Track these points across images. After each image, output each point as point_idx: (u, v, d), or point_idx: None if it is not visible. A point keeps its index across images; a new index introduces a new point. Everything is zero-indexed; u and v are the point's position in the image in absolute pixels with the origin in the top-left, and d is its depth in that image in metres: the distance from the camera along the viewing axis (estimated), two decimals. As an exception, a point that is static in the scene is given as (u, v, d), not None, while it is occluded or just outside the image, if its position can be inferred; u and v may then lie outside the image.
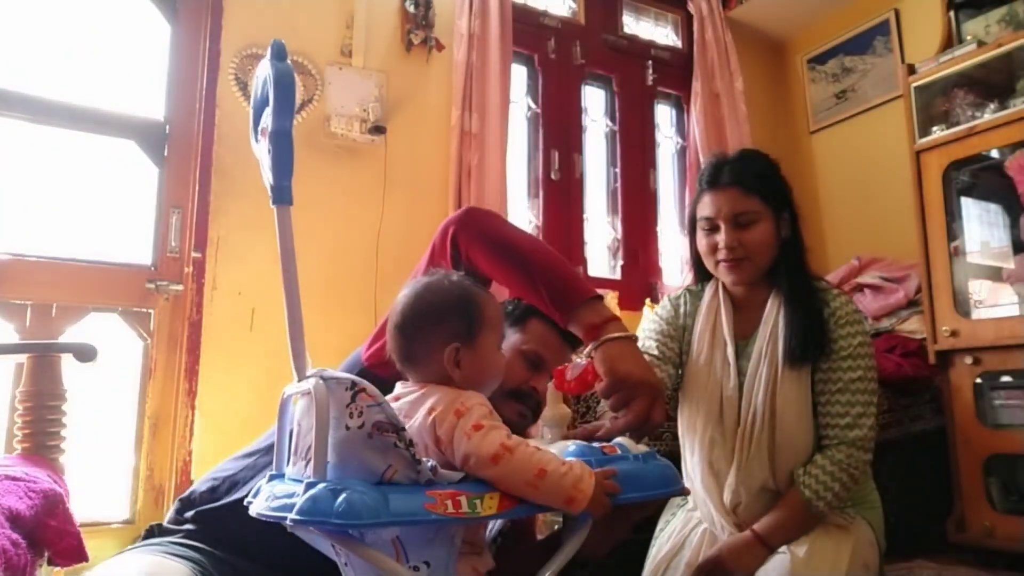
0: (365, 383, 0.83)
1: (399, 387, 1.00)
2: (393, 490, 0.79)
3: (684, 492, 1.05)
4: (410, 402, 0.94)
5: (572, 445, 0.97)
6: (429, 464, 0.83)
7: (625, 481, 0.92)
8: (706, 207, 1.42)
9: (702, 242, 1.44)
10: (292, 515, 0.77)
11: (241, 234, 2.46)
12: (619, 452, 0.97)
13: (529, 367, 1.29)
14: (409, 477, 0.81)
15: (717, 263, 1.42)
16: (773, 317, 1.40)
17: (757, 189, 1.38)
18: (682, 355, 1.52)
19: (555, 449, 0.95)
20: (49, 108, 2.27)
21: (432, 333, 0.98)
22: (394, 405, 0.94)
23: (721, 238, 1.39)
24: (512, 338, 1.32)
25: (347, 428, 0.81)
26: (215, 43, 2.51)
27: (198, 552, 1.14)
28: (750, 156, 1.49)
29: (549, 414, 1.14)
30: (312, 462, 0.82)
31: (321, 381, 0.83)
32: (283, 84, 0.85)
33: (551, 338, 1.31)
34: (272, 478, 0.92)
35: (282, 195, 0.87)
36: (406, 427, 0.89)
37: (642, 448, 0.99)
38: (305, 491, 0.79)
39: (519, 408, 1.27)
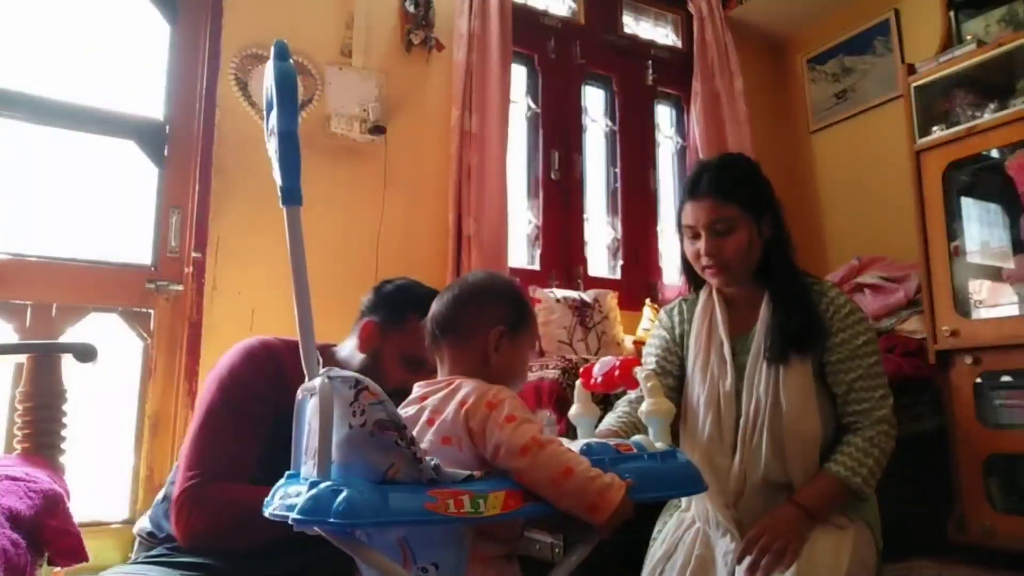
0: (368, 381, 0.83)
1: (420, 387, 1.00)
2: (394, 489, 0.79)
3: (704, 490, 1.04)
4: (440, 397, 0.95)
5: (586, 443, 0.97)
6: (432, 463, 0.82)
7: (640, 480, 0.91)
8: (687, 216, 1.48)
9: (688, 249, 1.51)
10: (294, 514, 0.78)
11: (241, 234, 2.46)
12: (635, 451, 0.96)
13: (409, 369, 1.26)
14: (411, 476, 0.81)
15: (703, 268, 1.48)
16: (770, 313, 1.45)
17: (733, 196, 1.43)
18: (683, 363, 1.55)
19: (572, 447, 0.95)
20: (49, 108, 2.27)
21: (487, 309, 1.02)
22: (424, 403, 0.95)
23: (702, 245, 1.45)
24: (392, 337, 1.29)
25: (350, 427, 0.81)
26: (215, 43, 2.51)
27: (200, 568, 1.15)
28: (727, 163, 1.54)
29: (578, 412, 1.13)
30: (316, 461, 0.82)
31: (327, 380, 0.83)
32: (285, 84, 0.84)
33: None
34: (289, 477, 0.92)
35: (291, 196, 0.85)
36: (441, 421, 0.90)
37: (661, 446, 0.98)
38: (308, 490, 0.79)
39: None
